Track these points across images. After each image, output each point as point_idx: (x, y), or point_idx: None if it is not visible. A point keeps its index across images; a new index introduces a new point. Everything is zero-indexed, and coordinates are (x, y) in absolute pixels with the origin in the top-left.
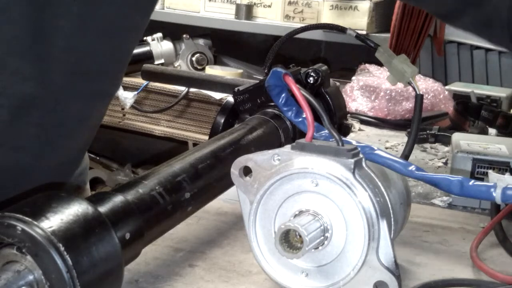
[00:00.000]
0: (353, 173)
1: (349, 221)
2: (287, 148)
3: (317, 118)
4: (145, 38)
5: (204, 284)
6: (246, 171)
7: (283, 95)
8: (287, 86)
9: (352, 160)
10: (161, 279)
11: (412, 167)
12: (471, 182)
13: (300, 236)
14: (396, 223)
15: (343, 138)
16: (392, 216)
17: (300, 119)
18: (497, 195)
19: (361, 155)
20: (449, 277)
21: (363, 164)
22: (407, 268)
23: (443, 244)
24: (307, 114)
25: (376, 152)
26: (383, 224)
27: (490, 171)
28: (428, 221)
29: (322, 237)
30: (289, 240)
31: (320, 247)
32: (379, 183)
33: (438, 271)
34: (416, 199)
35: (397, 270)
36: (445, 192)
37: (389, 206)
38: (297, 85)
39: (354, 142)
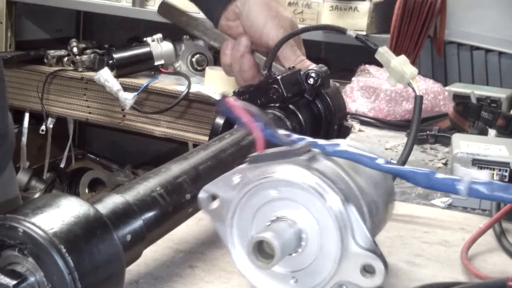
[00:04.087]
0: (308, 168)
1: (317, 217)
2: (243, 165)
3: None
4: (145, 39)
5: (204, 285)
6: (214, 198)
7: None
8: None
9: (304, 157)
10: (161, 280)
11: (379, 160)
12: (438, 175)
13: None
14: (371, 206)
15: (335, 140)
16: (362, 200)
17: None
18: (462, 188)
19: (313, 150)
20: (449, 278)
21: (319, 158)
22: (407, 269)
23: (443, 245)
24: (251, 126)
25: (341, 148)
26: (351, 209)
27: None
28: (428, 222)
29: (297, 240)
30: (265, 251)
31: (299, 250)
32: (340, 171)
33: (438, 272)
34: (416, 200)
35: (377, 249)
36: (445, 193)
37: (355, 190)
38: (236, 103)
39: (339, 142)
